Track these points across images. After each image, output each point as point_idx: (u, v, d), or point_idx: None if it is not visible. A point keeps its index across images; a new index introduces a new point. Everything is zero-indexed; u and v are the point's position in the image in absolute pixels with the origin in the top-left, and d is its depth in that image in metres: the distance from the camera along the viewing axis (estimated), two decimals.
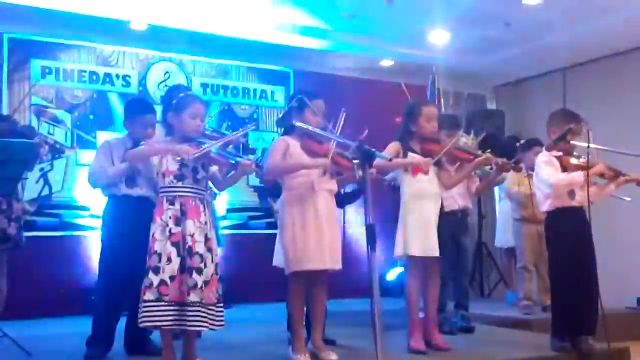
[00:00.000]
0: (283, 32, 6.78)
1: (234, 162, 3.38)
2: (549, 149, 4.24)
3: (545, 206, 4.15)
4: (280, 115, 4.32)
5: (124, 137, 4.14)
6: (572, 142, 4.08)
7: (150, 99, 6.55)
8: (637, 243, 6.74)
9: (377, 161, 3.41)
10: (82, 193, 6.24)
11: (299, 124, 3.64)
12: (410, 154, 4.10)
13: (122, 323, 4.00)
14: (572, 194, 4.06)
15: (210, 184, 3.61)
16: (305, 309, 3.94)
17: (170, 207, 3.29)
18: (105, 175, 3.92)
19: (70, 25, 6.23)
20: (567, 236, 4.06)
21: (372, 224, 2.80)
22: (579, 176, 3.98)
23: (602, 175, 4.10)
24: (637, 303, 6.50)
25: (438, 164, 4.11)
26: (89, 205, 6.25)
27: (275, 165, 3.77)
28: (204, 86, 7.17)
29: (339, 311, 5.28)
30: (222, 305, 3.34)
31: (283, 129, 4.10)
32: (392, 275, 7.43)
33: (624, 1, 5.98)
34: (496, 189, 7.01)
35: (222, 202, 6.93)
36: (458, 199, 4.83)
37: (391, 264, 6.90)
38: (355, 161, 3.36)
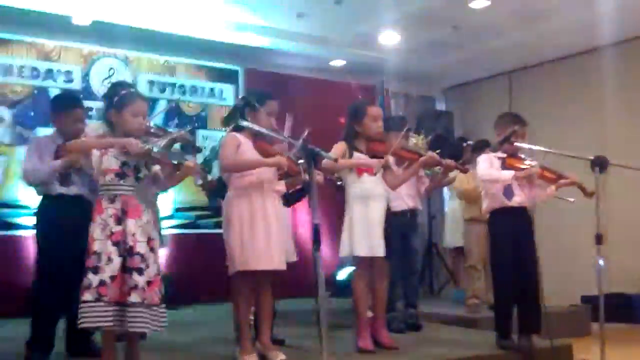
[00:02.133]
0: (232, 29, 6.70)
1: (176, 162, 3.30)
2: (494, 150, 4.32)
3: (484, 206, 4.25)
4: (225, 114, 4.25)
5: (52, 134, 4.02)
6: (515, 144, 4.16)
7: (93, 95, 6.40)
8: (581, 242, 6.85)
9: (325, 162, 3.42)
10: (22, 191, 6.05)
11: (244, 124, 3.60)
12: (356, 154, 4.10)
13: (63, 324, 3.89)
14: (509, 194, 4.14)
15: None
16: (252, 308, 3.91)
17: (110, 205, 3.19)
18: (40, 171, 3.80)
19: (9, 20, 6.03)
20: (506, 236, 4.14)
21: (317, 223, 2.78)
22: (507, 173, 4.08)
23: (542, 178, 4.18)
24: (581, 300, 6.66)
25: (384, 165, 4.12)
26: (29, 204, 6.05)
27: (232, 161, 3.71)
28: (150, 83, 7.03)
29: (288, 310, 5.25)
30: (164, 306, 3.26)
31: (230, 127, 4.05)
32: (343, 274, 7.42)
33: (567, 6, 6.12)
34: (445, 189, 7.09)
35: (169, 201, 6.82)
36: (407, 200, 4.86)
37: (342, 263, 6.90)
38: (300, 161, 3.34)
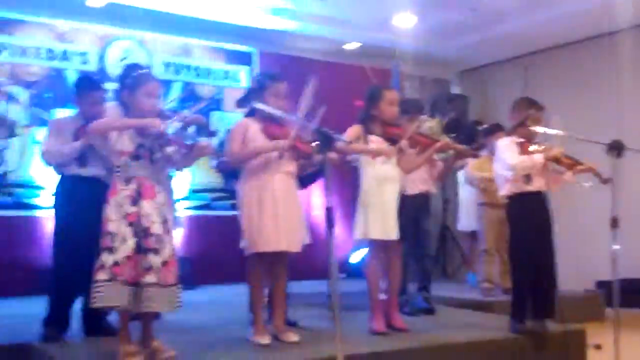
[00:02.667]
0: (248, 11, 6.68)
1: (190, 142, 3.32)
2: (508, 135, 4.29)
3: (504, 190, 4.22)
4: (240, 97, 4.25)
5: (74, 115, 4.10)
6: (530, 128, 4.12)
7: (109, 77, 6.41)
8: (596, 227, 6.80)
9: (339, 144, 3.42)
10: (38, 172, 6.10)
11: (258, 106, 3.60)
12: (371, 137, 4.08)
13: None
14: (528, 179, 4.12)
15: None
16: (266, 290, 3.94)
17: (125, 186, 3.22)
18: (60, 153, 3.87)
19: (26, 1, 6.05)
20: (525, 220, 4.12)
21: (330, 206, 2.78)
22: (538, 157, 4.04)
23: (559, 163, 4.15)
24: (596, 286, 6.64)
25: (398, 149, 4.10)
26: (45, 184, 6.11)
27: (234, 153, 3.74)
28: (166, 65, 7.04)
29: (302, 292, 5.28)
30: (180, 286, 3.28)
31: (244, 111, 4.05)
32: (357, 256, 7.45)
33: None
34: (459, 174, 7.06)
35: (184, 183, 6.84)
36: (419, 183, 4.84)
37: (356, 245, 6.91)
38: (314, 143, 3.34)
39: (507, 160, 4.10)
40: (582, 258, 6.60)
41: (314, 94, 3.54)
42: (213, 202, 7.16)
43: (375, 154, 4.00)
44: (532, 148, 4.12)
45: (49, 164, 3.97)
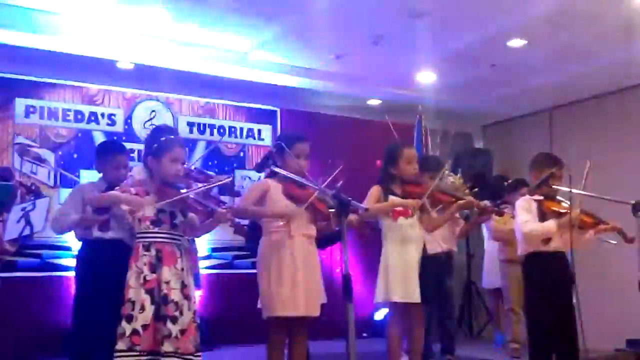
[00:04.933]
0: (271, 71, 6.79)
1: (209, 210, 3.34)
2: (531, 193, 4.26)
3: (521, 249, 4.17)
4: (259, 162, 4.30)
5: (97, 180, 4.16)
6: (553, 186, 4.09)
7: (135, 138, 6.54)
8: (625, 285, 6.68)
9: (358, 212, 3.40)
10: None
11: (276, 170, 3.63)
12: (391, 197, 4.08)
13: None
14: (546, 239, 4.06)
15: None
16: (285, 352, 3.89)
17: (146, 253, 3.24)
18: (67, 221, 3.92)
19: (55, 65, 6.23)
20: (542, 280, 4.06)
21: (347, 273, 2.76)
22: (551, 226, 3.99)
23: (581, 223, 4.09)
24: (626, 344, 6.44)
25: (420, 207, 4.08)
26: (71, 245, 6.17)
27: (242, 207, 3.80)
28: (190, 125, 7.15)
29: (321, 352, 5.19)
30: (199, 354, 3.26)
31: (263, 173, 4.09)
32: (381, 314, 7.34)
33: (605, 44, 6.04)
34: (483, 227, 6.98)
35: (205, 242, 6.85)
36: (441, 242, 4.81)
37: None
38: (331, 210, 3.34)
39: (520, 225, 4.08)
40: (611, 316, 6.42)
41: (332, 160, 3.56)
42: (234, 260, 7.14)
43: (396, 207, 3.97)
44: (554, 207, 4.09)
45: (55, 231, 4.05)
